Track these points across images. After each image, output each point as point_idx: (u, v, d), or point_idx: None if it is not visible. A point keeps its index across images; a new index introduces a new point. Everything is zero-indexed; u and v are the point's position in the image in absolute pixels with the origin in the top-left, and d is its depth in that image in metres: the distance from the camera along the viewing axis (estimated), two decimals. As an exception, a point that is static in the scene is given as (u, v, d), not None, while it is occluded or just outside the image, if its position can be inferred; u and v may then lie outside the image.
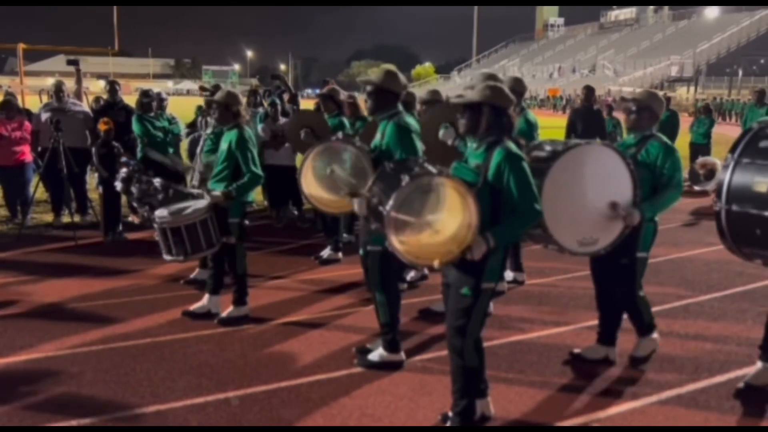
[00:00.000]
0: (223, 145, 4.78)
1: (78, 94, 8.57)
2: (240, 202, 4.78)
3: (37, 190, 8.00)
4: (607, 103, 15.29)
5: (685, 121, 13.18)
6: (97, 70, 72.48)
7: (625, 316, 4.23)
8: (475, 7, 76.61)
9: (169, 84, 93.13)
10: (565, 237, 3.56)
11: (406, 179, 2.96)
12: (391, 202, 2.93)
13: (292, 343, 4.53)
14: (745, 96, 44.35)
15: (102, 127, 7.21)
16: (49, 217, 8.27)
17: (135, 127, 7.36)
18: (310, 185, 4.01)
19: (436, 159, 3.55)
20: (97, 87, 23.60)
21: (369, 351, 4.23)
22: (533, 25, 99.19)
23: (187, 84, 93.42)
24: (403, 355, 4.17)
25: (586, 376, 4.07)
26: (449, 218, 2.99)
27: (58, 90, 8.09)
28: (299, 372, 4.05)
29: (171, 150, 7.44)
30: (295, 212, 8.49)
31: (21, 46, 20.25)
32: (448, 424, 3.36)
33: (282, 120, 7.82)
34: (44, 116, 7.86)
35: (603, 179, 3.65)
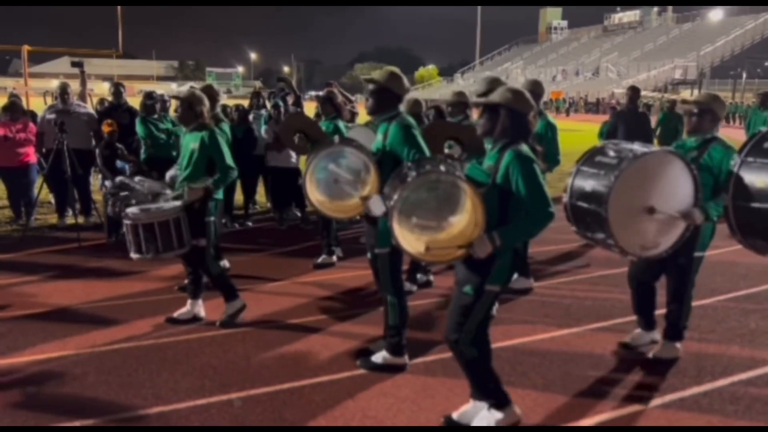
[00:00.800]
0: (191, 146, 4.69)
1: (83, 96, 8.61)
2: (215, 200, 4.78)
3: (41, 191, 8.02)
4: (612, 105, 15.27)
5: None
6: (101, 72, 72.69)
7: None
8: (479, 9, 76.62)
9: (173, 86, 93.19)
10: (630, 242, 3.61)
11: (413, 175, 2.97)
12: (396, 198, 2.94)
13: (294, 345, 4.54)
14: (749, 99, 44.29)
15: (105, 128, 7.24)
16: (53, 219, 8.30)
17: (139, 129, 7.39)
18: (315, 193, 4.01)
19: None
20: (101, 89, 23.67)
21: (371, 353, 4.23)
22: (536, 27, 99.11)
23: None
24: (406, 358, 4.17)
25: (589, 379, 4.06)
26: (457, 217, 3.00)
27: (62, 92, 8.13)
28: (302, 374, 4.05)
29: (174, 152, 7.46)
30: (298, 214, 8.50)
31: (25, 47, 20.32)
32: (486, 414, 3.33)
33: (304, 114, 7.84)
34: (49, 118, 7.89)
35: (666, 185, 3.69)
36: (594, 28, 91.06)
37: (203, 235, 4.72)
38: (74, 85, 8.67)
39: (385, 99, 3.94)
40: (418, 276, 5.84)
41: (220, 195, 4.91)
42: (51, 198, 8.73)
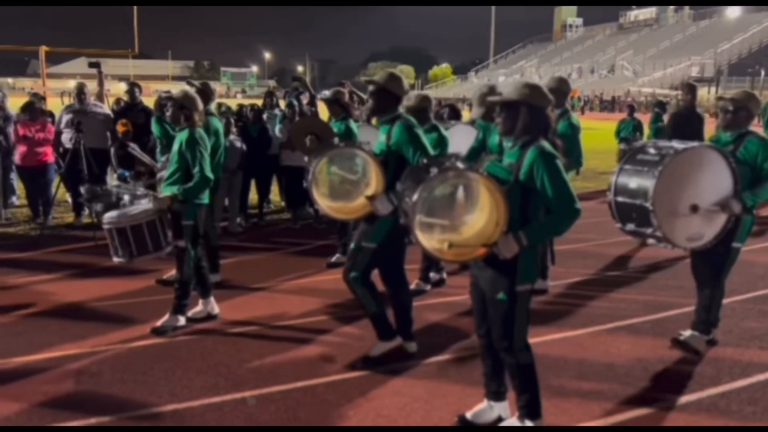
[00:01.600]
0: (175, 147, 4.64)
1: (100, 96, 8.70)
2: (193, 204, 4.63)
3: (58, 190, 8.11)
4: (628, 104, 15.12)
5: (707, 122, 13.03)
6: (117, 72, 73.31)
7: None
8: (492, 8, 76.29)
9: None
10: (677, 234, 3.86)
11: (434, 172, 2.97)
12: (416, 196, 2.91)
13: (307, 343, 4.55)
14: (767, 97, 43.71)
15: (120, 128, 7.30)
16: (69, 218, 8.38)
17: (154, 128, 7.41)
18: (320, 195, 4.01)
19: None
20: (117, 89, 23.89)
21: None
22: (551, 25, 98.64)
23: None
24: (398, 340, 4.24)
25: (604, 379, 4.03)
26: (477, 215, 2.99)
27: (79, 92, 8.22)
28: (315, 373, 4.06)
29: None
30: (312, 213, 8.52)
31: (43, 48, 20.56)
32: (516, 422, 3.30)
33: (315, 117, 7.85)
34: (66, 118, 7.98)
35: (707, 178, 3.91)
36: (609, 26, 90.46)
37: (183, 236, 4.64)
38: (91, 86, 8.75)
39: (385, 100, 3.97)
40: (431, 275, 5.82)
41: (204, 199, 4.73)
42: (68, 197, 8.82)
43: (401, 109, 4.07)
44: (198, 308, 4.96)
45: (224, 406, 3.64)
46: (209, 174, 4.59)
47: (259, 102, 9.43)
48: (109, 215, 4.57)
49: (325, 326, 4.88)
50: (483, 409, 3.43)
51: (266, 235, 7.92)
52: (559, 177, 2.96)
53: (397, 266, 4.24)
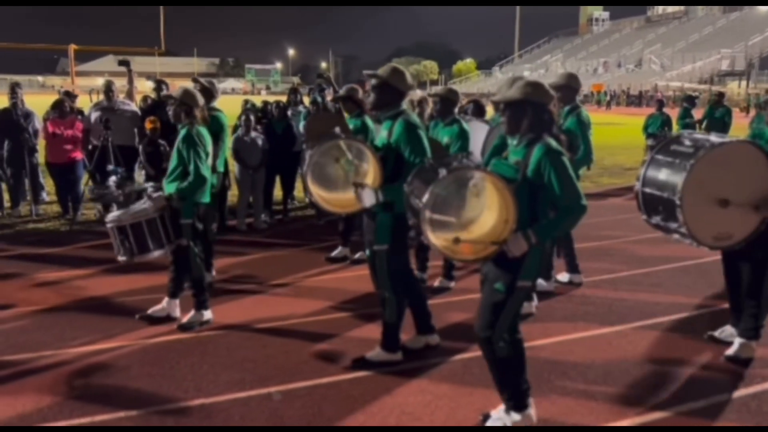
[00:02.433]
0: (176, 144, 4.63)
1: (130, 94, 8.81)
2: (192, 202, 4.60)
3: (86, 187, 8.24)
4: (658, 98, 14.89)
5: (737, 117, 12.81)
6: (144, 69, 74.28)
7: None
8: (517, 9, 75.77)
9: (214, 82, 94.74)
10: (703, 232, 3.71)
11: (443, 172, 2.97)
12: (427, 196, 2.93)
13: (333, 339, 4.56)
14: (800, 90, 42.66)
15: (148, 125, 7.38)
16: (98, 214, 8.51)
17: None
18: (315, 186, 3.97)
19: None
20: (144, 86, 24.20)
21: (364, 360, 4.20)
22: (577, 19, 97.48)
23: (231, 83, 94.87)
24: (400, 355, 4.15)
25: (632, 379, 3.98)
26: (487, 214, 2.99)
27: (107, 89, 8.33)
28: (340, 369, 4.07)
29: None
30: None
31: (72, 46, 20.93)
32: (503, 415, 3.29)
33: (330, 112, 7.85)
34: (94, 115, 8.10)
35: (742, 175, 3.72)
36: (637, 19, 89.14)
37: (183, 235, 4.64)
38: (120, 83, 8.87)
39: (387, 94, 3.92)
40: (438, 280, 5.78)
41: (205, 198, 4.71)
42: (96, 193, 8.95)
43: (404, 105, 4.01)
44: (160, 306, 4.89)
45: (250, 401, 3.67)
46: (205, 173, 4.53)
47: (284, 98, 9.48)
48: (111, 214, 4.60)
49: (350, 322, 4.89)
50: (501, 415, 3.39)
51: (291, 232, 7.97)
52: (566, 174, 2.97)
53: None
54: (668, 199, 3.67)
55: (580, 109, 5.40)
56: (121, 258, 4.63)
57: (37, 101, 9.10)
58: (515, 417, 3.26)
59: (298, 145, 8.25)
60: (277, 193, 8.86)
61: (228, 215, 8.04)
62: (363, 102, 6.59)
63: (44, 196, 9.04)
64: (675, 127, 12.26)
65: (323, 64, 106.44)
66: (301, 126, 8.25)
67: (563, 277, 5.78)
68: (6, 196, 8.71)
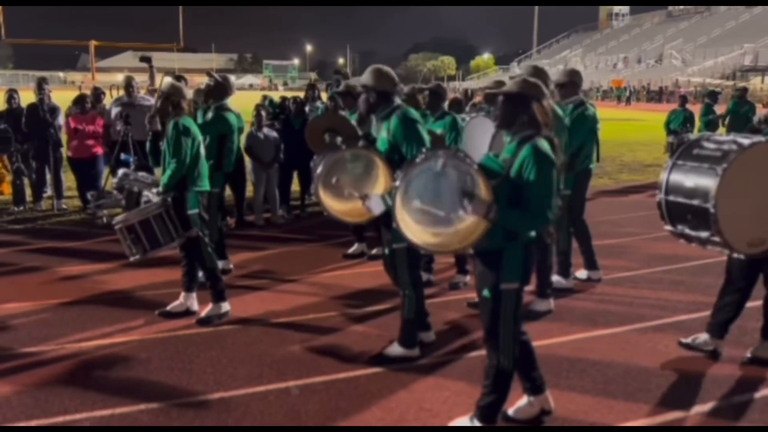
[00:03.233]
0: (166, 137, 4.63)
1: (152, 90, 8.89)
2: (195, 192, 4.65)
3: (107, 182, 8.32)
4: (680, 93, 14.70)
5: (761, 113, 12.58)
6: (163, 65, 74.86)
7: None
8: (536, 9, 75.21)
9: (232, 78, 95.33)
10: (737, 239, 3.50)
11: (418, 161, 2.99)
12: (398, 181, 2.96)
13: (350, 335, 4.57)
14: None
15: (168, 120, 7.43)
16: (119, 209, 8.58)
17: (200, 119, 7.54)
18: (328, 198, 3.94)
19: None
20: (163, 82, 24.37)
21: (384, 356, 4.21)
22: (597, 14, 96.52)
23: (249, 79, 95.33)
24: (417, 351, 4.15)
25: (652, 378, 3.94)
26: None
27: (128, 85, 8.41)
28: (357, 364, 4.08)
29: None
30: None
31: (93, 42, 21.12)
32: (470, 415, 3.27)
33: (335, 113, 7.85)
34: (114, 111, 8.18)
35: None
36: (657, 14, 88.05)
37: (191, 227, 4.67)
38: (139, 79, 8.95)
39: (379, 99, 3.92)
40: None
41: (205, 187, 4.75)
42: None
43: (397, 100, 4.00)
44: (178, 302, 4.92)
45: (269, 395, 3.69)
46: (180, 162, 4.52)
47: (301, 94, 9.50)
48: (118, 217, 4.63)
49: (367, 317, 4.90)
50: (524, 406, 3.39)
51: (308, 227, 7.99)
52: (544, 179, 2.91)
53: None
54: (700, 206, 3.47)
55: (586, 106, 5.31)
56: (134, 257, 4.65)
57: (59, 97, 9.18)
58: (477, 424, 3.22)
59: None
60: (295, 188, 8.88)
61: (246, 211, 8.08)
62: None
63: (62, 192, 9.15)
64: (697, 124, 12.10)
65: (340, 60, 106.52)
66: (319, 121, 8.26)
67: (582, 274, 5.74)
68: (28, 191, 8.83)
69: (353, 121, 6.05)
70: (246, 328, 4.66)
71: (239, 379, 3.87)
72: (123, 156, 7.38)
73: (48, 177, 8.80)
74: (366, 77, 3.95)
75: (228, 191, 7.79)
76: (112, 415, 3.46)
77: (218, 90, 5.69)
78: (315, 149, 6.24)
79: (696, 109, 12.99)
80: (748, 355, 4.13)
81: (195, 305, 4.91)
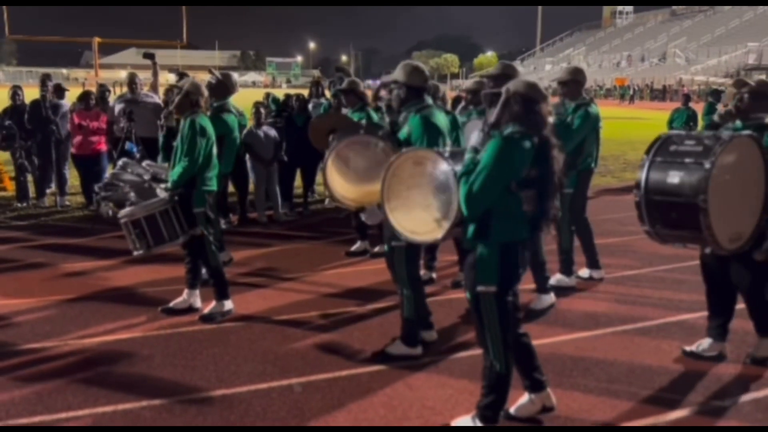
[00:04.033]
0: (180, 134, 4.65)
1: (155, 87, 8.89)
2: (202, 191, 4.66)
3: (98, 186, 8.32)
4: (684, 92, 14.66)
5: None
6: (166, 62, 74.84)
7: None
8: (539, 9, 75.04)
9: (235, 75, 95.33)
10: (722, 235, 3.42)
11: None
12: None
13: (353, 332, 4.57)
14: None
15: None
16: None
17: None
18: (335, 181, 3.96)
19: None
20: (166, 79, 24.38)
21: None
22: (600, 12, 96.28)
23: (252, 76, 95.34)
24: (420, 349, 4.15)
25: (656, 377, 3.93)
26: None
27: (131, 82, 8.41)
28: (360, 361, 4.08)
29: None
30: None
31: (96, 39, 21.12)
32: (471, 415, 3.27)
33: (344, 111, 7.83)
34: (118, 107, 8.19)
35: (747, 170, 3.56)
36: (661, 12, 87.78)
37: (196, 225, 4.67)
38: (142, 76, 8.95)
39: (409, 95, 3.92)
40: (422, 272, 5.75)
41: (212, 186, 4.76)
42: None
43: (428, 100, 3.99)
44: (181, 298, 4.91)
45: (271, 392, 3.69)
46: (192, 162, 4.54)
47: (305, 91, 9.49)
48: (124, 210, 4.62)
49: (369, 315, 4.90)
50: (525, 404, 3.38)
51: (311, 225, 7.99)
52: (490, 159, 2.88)
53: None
54: (687, 202, 3.37)
55: (590, 105, 5.27)
56: (137, 252, 4.65)
57: (67, 94, 9.18)
58: (478, 424, 3.22)
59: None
60: (298, 184, 8.88)
61: (249, 208, 8.08)
62: (365, 95, 6.55)
63: (66, 188, 9.16)
64: (700, 123, 12.06)
65: (343, 58, 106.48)
66: (321, 119, 8.26)
67: (584, 273, 5.73)
68: (31, 188, 8.84)
69: (356, 119, 6.06)
70: (249, 325, 4.67)
71: (242, 376, 3.87)
72: (127, 145, 7.38)
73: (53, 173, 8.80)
74: (398, 72, 3.95)
75: (231, 188, 7.82)
76: (114, 412, 3.46)
77: (219, 88, 5.68)
78: (318, 148, 6.22)
79: (698, 107, 12.95)
80: (748, 360, 4.10)
81: (198, 302, 4.91)
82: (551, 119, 3.04)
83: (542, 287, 4.98)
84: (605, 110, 5.62)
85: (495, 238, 2.98)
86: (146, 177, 4.80)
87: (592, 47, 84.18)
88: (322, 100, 9.01)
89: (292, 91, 9.92)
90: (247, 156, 7.85)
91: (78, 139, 8.34)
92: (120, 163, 5.09)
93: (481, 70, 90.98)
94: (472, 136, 3.11)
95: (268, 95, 9.45)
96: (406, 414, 3.48)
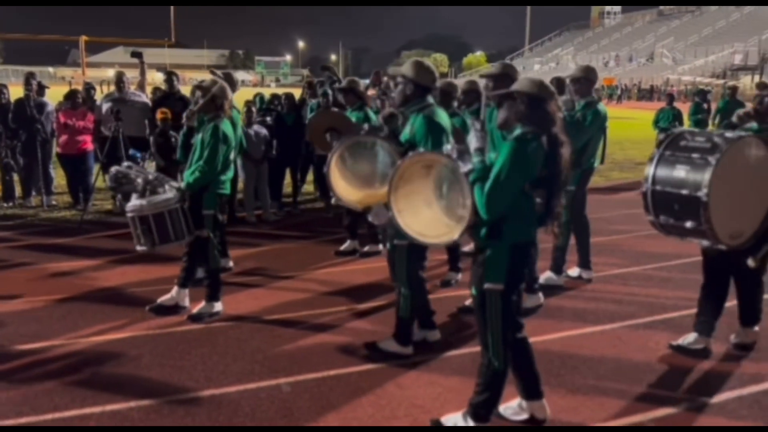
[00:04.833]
0: (200, 136, 4.63)
1: (142, 86, 8.83)
2: (214, 194, 4.66)
3: (98, 178, 8.28)
4: (669, 92, 14.79)
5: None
6: (154, 61, 74.42)
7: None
8: (528, 9, 75.26)
9: (235, 76, 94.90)
10: (721, 230, 3.54)
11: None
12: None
13: (341, 332, 4.57)
14: (815, 85, 42.21)
15: (159, 116, 7.41)
16: (109, 205, 8.55)
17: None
18: (338, 183, 3.96)
19: None
20: (154, 78, 24.21)
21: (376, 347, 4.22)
22: (588, 12, 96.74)
23: (241, 75, 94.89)
24: (411, 349, 4.15)
25: (643, 375, 3.96)
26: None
27: (118, 80, 8.36)
28: (349, 361, 4.08)
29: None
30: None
31: (83, 37, 20.97)
32: (463, 412, 3.28)
33: (334, 110, 7.83)
34: (105, 106, 8.13)
35: (754, 169, 3.64)
36: (649, 12, 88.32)
37: (203, 226, 4.66)
38: (131, 74, 8.91)
39: (412, 91, 3.87)
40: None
41: (225, 189, 4.76)
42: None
43: (430, 99, 3.96)
44: (169, 295, 4.90)
45: (260, 392, 3.69)
46: (213, 168, 4.55)
47: (293, 90, 9.44)
48: (132, 204, 4.60)
49: (359, 314, 4.90)
50: (513, 407, 3.37)
51: (300, 224, 7.97)
52: (503, 164, 2.87)
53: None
54: (690, 196, 3.50)
55: (598, 104, 5.33)
56: (141, 248, 4.63)
57: (48, 92, 9.10)
58: (470, 424, 3.23)
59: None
60: (287, 184, 8.86)
61: (238, 207, 8.05)
62: (364, 94, 6.55)
63: (52, 188, 9.09)
64: (686, 123, 12.17)
65: (333, 57, 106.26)
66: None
67: (573, 272, 5.76)
68: (17, 187, 8.76)
69: (354, 119, 6.08)
70: (238, 325, 4.65)
71: (231, 376, 3.86)
72: (131, 151, 7.35)
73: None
74: (407, 68, 3.89)
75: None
76: (102, 413, 3.44)
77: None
78: (318, 147, 6.22)
79: (685, 107, 13.07)
80: (732, 340, 4.27)
81: (186, 301, 4.89)
82: (560, 115, 3.04)
83: (530, 287, 5.01)
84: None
85: (507, 239, 2.99)
86: (151, 177, 4.80)
87: (580, 47, 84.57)
88: (312, 100, 8.98)
89: (281, 91, 9.89)
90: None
91: (64, 138, 8.28)
92: (124, 165, 5.07)
93: (470, 69, 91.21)
94: (470, 137, 3.11)
95: (256, 95, 9.42)
96: (395, 413, 3.48)
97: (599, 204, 9.23)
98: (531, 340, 3.32)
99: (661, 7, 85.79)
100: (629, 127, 23.08)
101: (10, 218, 7.94)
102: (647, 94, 52.66)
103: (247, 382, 3.79)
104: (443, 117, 3.91)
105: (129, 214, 4.58)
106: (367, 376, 3.89)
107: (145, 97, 8.65)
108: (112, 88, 8.67)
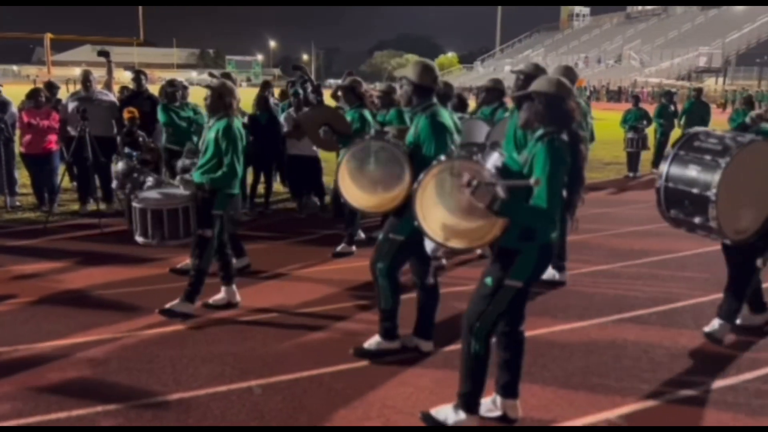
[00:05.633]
0: (210, 135, 4.60)
1: (109, 85, 8.68)
2: (225, 194, 4.65)
3: (63, 178, 8.11)
4: (635, 94, 15.07)
5: (714, 114, 12.95)
6: (123, 60, 73.21)
7: None
8: (499, 9, 75.90)
9: (193, 74, 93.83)
10: (728, 227, 3.84)
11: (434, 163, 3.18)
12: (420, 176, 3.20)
13: (314, 333, 4.54)
14: (776, 87, 43.38)
15: (126, 116, 7.29)
16: (75, 205, 8.38)
17: (160, 116, 7.42)
18: (348, 188, 3.95)
19: None
20: (122, 77, 23.84)
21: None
22: (558, 14, 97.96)
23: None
24: (398, 343, 4.16)
25: (611, 372, 4.01)
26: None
27: (85, 79, 8.20)
28: (322, 362, 4.05)
29: (196, 139, 7.47)
30: (318, 203, 8.50)
31: (48, 35, 20.55)
32: (453, 404, 3.31)
33: (305, 110, 7.78)
34: (71, 105, 7.97)
35: (761, 172, 3.88)
36: (617, 15, 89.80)
37: (210, 226, 4.64)
38: (98, 74, 8.75)
39: (418, 94, 3.88)
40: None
41: (235, 189, 4.75)
42: (73, 185, 8.81)
43: (434, 99, 3.94)
44: (220, 295, 4.98)
45: (230, 394, 3.64)
46: (238, 167, 4.59)
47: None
48: (146, 195, 4.58)
49: (331, 315, 4.87)
50: (487, 402, 3.39)
51: (272, 225, 7.91)
52: (547, 168, 2.85)
53: (427, 262, 4.19)
54: (701, 194, 3.79)
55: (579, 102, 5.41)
56: (144, 240, 4.61)
57: (12, 91, 8.90)
58: (461, 416, 3.26)
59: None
60: (258, 184, 8.78)
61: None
62: (364, 95, 6.54)
63: (16, 188, 8.88)
64: (653, 124, 12.40)
65: (304, 57, 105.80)
66: (281, 118, 8.19)
67: (547, 274, 5.78)
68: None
69: (349, 118, 6.09)
70: (207, 327, 4.59)
71: (200, 379, 3.81)
72: (127, 150, 7.21)
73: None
74: (408, 70, 3.92)
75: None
76: (68, 418, 3.37)
77: None
78: (313, 141, 6.22)
79: (651, 108, 13.32)
80: (738, 322, 4.54)
81: (237, 296, 4.99)
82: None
83: None
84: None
85: (539, 240, 3.01)
86: (150, 179, 4.76)
87: (550, 48, 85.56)
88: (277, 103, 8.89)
89: (251, 90, 9.79)
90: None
91: (27, 138, 8.07)
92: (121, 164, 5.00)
93: (442, 70, 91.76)
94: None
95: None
96: (367, 413, 3.47)
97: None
98: (501, 338, 3.34)
99: (629, 10, 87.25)
100: (598, 127, 23.33)
101: (-28, 220, 7.73)
102: (615, 95, 53.53)
103: (217, 385, 3.74)
104: (446, 116, 3.92)
105: (140, 205, 4.54)
106: (340, 377, 3.87)
107: (113, 96, 8.50)
108: (79, 86, 8.49)
